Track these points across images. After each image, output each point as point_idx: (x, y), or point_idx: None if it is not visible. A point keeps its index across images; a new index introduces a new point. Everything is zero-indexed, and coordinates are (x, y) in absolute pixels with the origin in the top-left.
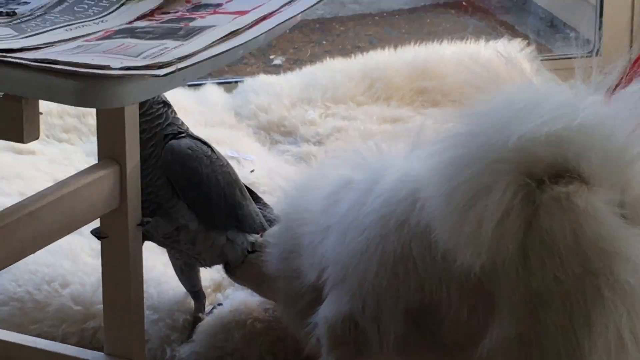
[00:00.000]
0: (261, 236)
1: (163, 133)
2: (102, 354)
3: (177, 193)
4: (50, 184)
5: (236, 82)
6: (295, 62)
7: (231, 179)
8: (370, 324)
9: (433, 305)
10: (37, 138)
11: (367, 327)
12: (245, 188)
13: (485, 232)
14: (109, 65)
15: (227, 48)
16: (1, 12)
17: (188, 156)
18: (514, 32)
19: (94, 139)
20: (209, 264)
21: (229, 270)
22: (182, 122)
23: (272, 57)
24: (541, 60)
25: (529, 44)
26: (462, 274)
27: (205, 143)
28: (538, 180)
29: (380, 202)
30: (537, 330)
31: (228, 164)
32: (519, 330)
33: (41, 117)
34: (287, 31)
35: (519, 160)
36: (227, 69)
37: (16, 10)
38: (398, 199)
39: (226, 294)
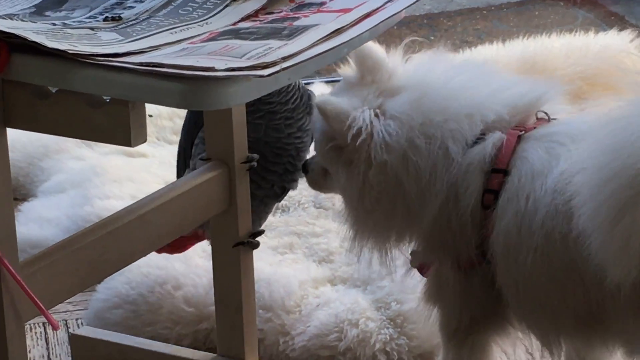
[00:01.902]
0: None
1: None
2: (215, 355)
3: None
4: (162, 186)
5: None
6: None
7: None
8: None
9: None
10: (145, 141)
11: None
12: None
13: (634, 248)
14: (213, 67)
15: (331, 46)
16: (107, 17)
17: None
18: (623, 23)
19: None
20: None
21: None
22: None
23: None
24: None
25: (639, 35)
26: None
27: None
28: None
29: (543, 215)
30: None
31: None
32: None
33: (151, 119)
34: (395, 27)
35: None
36: (335, 67)
37: (122, 15)
38: (557, 209)
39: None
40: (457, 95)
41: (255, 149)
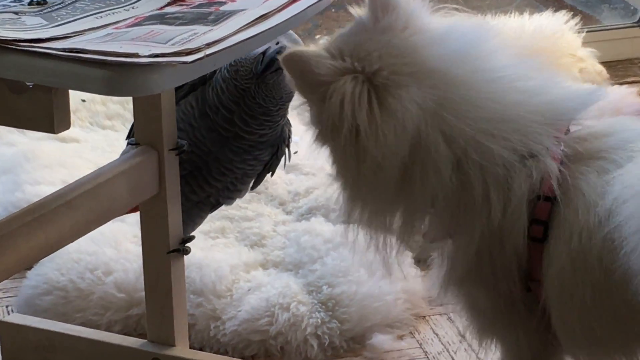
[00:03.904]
0: None
1: None
2: (145, 341)
3: None
4: None
5: None
6: None
7: None
8: None
9: None
10: (68, 128)
11: None
12: None
13: None
14: (137, 53)
15: (257, 32)
16: (32, 1)
17: None
18: (560, 4)
19: None
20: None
21: None
22: None
23: (317, 37)
24: (587, 31)
25: (574, 16)
26: None
27: None
28: None
29: (599, 249)
30: None
31: None
32: None
33: (84, 104)
34: (333, 10)
35: None
36: None
37: None
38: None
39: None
40: (506, 99)
41: (203, 160)
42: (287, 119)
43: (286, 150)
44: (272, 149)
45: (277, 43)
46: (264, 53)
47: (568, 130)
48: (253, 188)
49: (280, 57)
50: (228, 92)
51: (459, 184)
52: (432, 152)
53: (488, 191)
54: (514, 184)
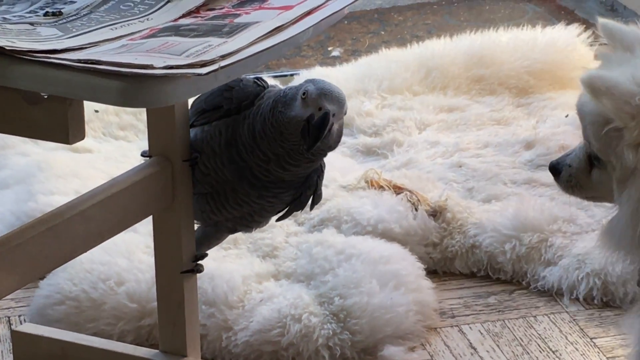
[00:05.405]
0: None
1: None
2: (157, 351)
3: None
4: None
5: (292, 74)
6: (353, 53)
7: None
8: None
9: None
10: (83, 138)
11: None
12: None
13: None
14: (151, 65)
15: (271, 44)
16: (47, 12)
17: None
18: (573, 17)
19: None
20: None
21: None
22: None
23: (330, 48)
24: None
25: (587, 29)
26: None
27: None
28: None
29: None
30: None
31: None
32: None
33: (97, 114)
34: (345, 22)
35: None
36: (285, 62)
37: (62, 10)
38: None
39: (280, 284)
40: None
41: (221, 187)
42: (322, 169)
43: (312, 197)
44: (294, 192)
45: (320, 108)
46: (308, 121)
47: None
48: (279, 220)
49: (582, 81)
50: (269, 145)
51: None
52: None
53: None
54: None
